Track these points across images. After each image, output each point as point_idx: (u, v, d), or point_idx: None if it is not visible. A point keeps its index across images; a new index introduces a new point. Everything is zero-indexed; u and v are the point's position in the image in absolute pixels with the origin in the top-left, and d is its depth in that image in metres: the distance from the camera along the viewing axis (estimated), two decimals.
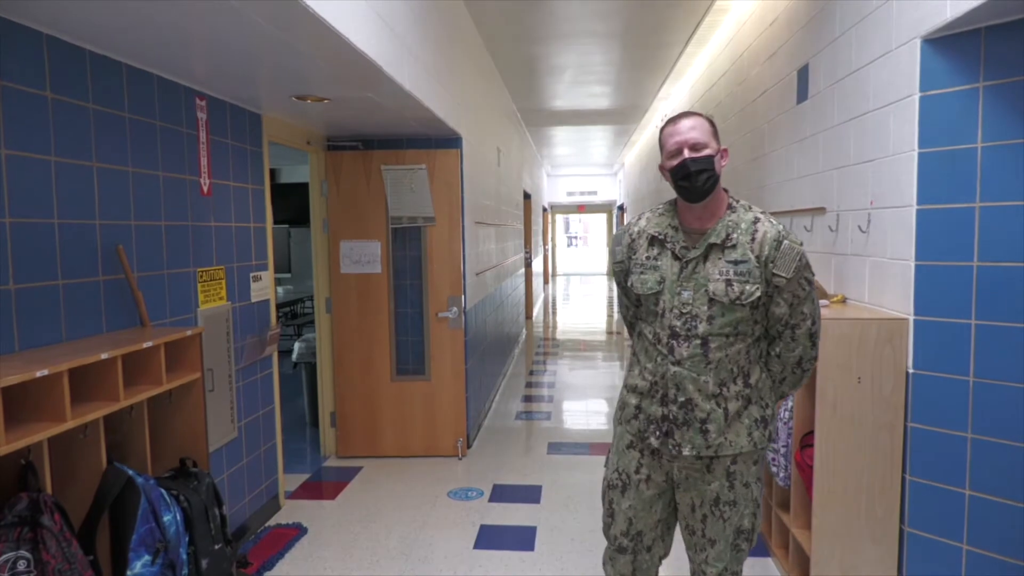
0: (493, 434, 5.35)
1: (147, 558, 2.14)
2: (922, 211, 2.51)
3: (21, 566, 1.81)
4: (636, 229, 2.05)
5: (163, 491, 2.25)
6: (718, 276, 1.87)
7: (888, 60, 2.71)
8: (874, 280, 2.85)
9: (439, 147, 4.66)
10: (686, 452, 1.93)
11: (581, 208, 20.49)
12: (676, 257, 1.93)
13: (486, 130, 6.21)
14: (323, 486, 4.27)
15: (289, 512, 3.85)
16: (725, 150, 1.95)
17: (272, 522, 3.72)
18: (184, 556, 2.24)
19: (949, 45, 2.43)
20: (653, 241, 1.99)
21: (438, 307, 4.71)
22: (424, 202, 4.61)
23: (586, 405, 6.40)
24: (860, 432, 2.63)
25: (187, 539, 2.27)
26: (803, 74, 3.67)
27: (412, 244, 4.72)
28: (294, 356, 5.54)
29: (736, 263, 1.87)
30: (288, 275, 9.46)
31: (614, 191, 18.71)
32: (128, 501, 2.15)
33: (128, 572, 2.10)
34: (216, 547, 2.38)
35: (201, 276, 3.11)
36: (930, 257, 2.51)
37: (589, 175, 18.86)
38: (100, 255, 2.46)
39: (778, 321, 1.93)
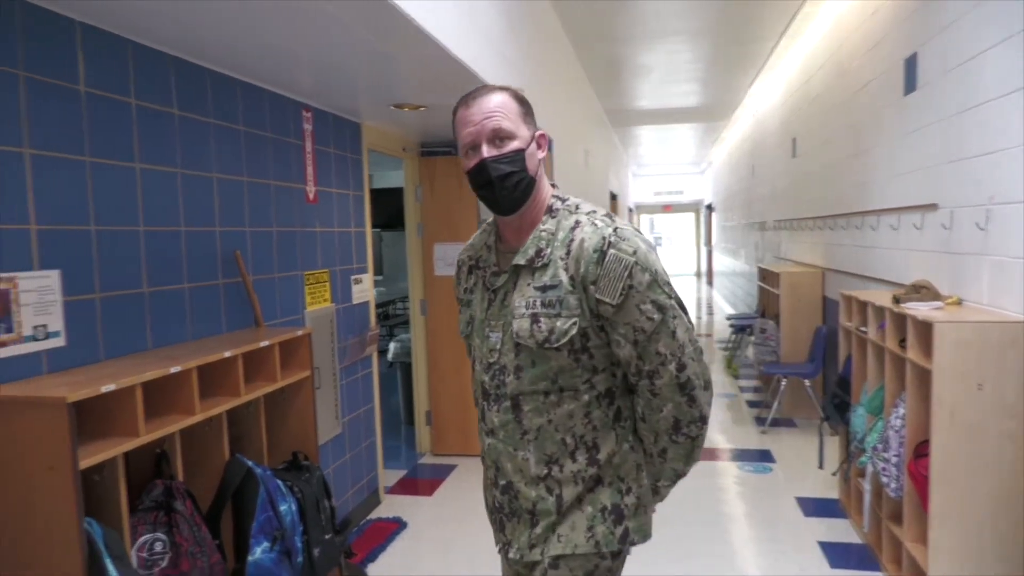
0: None
1: (266, 544, 2.27)
2: None
3: (158, 547, 1.96)
4: (464, 255, 1.58)
5: (279, 482, 2.39)
6: (524, 310, 1.37)
7: (1010, 45, 2.55)
8: (994, 281, 2.68)
9: None
10: (511, 554, 1.47)
11: (667, 208, 20.14)
12: (486, 287, 1.47)
13: (573, 131, 6.22)
14: (419, 483, 4.39)
15: (388, 507, 3.98)
16: (543, 135, 1.43)
17: (373, 515, 3.86)
18: (299, 544, 2.37)
19: None
20: (472, 268, 1.53)
21: None
22: None
23: None
24: (980, 441, 2.48)
25: (301, 528, 2.40)
26: (911, 64, 3.50)
27: None
28: (390, 356, 5.72)
29: (544, 289, 1.36)
30: (380, 277, 9.77)
31: (702, 190, 18.31)
32: (248, 490, 2.29)
33: (249, 557, 2.24)
34: (327, 537, 2.50)
35: (308, 279, 3.27)
36: None
37: (675, 174, 18.53)
38: (220, 260, 2.63)
39: (628, 367, 1.38)
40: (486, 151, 1.36)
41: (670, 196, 18.83)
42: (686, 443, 1.39)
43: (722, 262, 14.78)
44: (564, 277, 1.35)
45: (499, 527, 1.51)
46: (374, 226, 8.81)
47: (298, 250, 3.20)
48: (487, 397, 1.45)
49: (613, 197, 10.93)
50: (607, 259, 1.31)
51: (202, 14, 2.03)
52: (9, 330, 1.76)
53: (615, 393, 1.41)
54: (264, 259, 2.93)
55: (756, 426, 5.42)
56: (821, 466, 4.38)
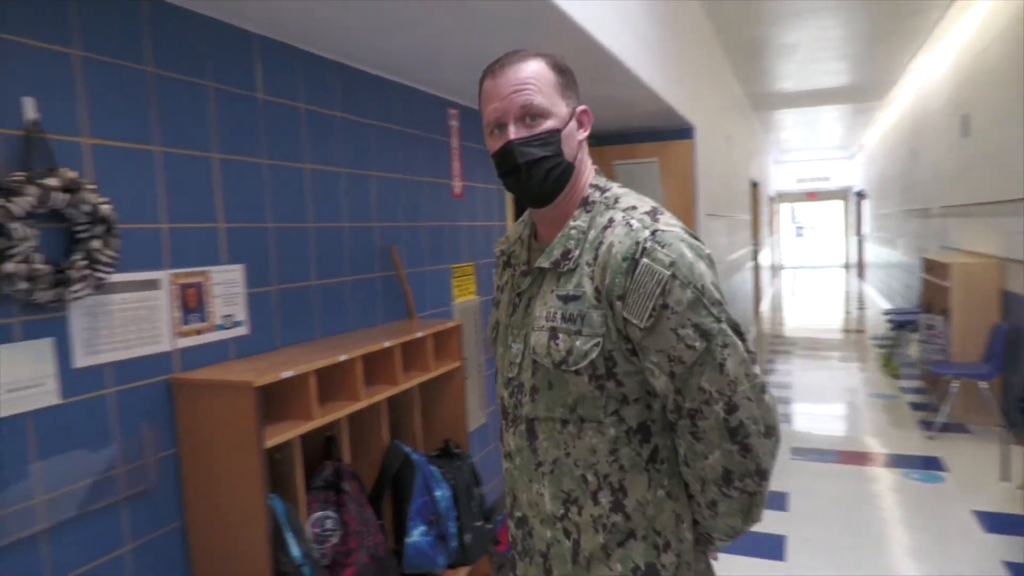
0: None
1: (423, 528, 2.36)
2: None
3: (329, 524, 2.09)
4: (498, 248, 1.39)
5: (434, 468, 2.47)
6: (544, 322, 1.17)
7: None
8: None
9: (671, 138, 4.58)
10: None
11: (812, 195, 18.99)
12: (514, 288, 1.28)
13: (715, 118, 5.99)
14: None
15: None
16: (585, 111, 1.23)
17: None
18: (452, 529, 2.44)
19: None
20: (506, 264, 1.35)
21: None
22: (655, 195, 4.56)
23: (828, 409, 5.92)
24: None
25: (455, 514, 2.47)
26: None
27: None
28: None
29: (567, 300, 1.14)
30: None
31: (851, 176, 17.11)
32: (406, 475, 2.39)
33: (407, 539, 2.34)
34: (477, 524, 2.56)
35: (455, 272, 3.37)
36: None
37: (821, 159, 17.44)
38: (377, 254, 2.76)
39: (666, 401, 1.13)
40: (513, 131, 1.15)
41: (815, 183, 17.73)
42: (741, 498, 1.11)
43: (875, 252, 13.74)
44: (588, 288, 1.12)
45: (511, 565, 1.32)
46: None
47: (446, 244, 3.30)
48: (506, 416, 1.26)
49: (754, 185, 10.46)
50: (638, 270, 1.07)
51: (361, 18, 2.12)
52: (203, 319, 1.93)
53: (651, 429, 1.15)
54: (415, 253, 3.04)
55: (921, 430, 4.99)
56: (1006, 478, 3.95)
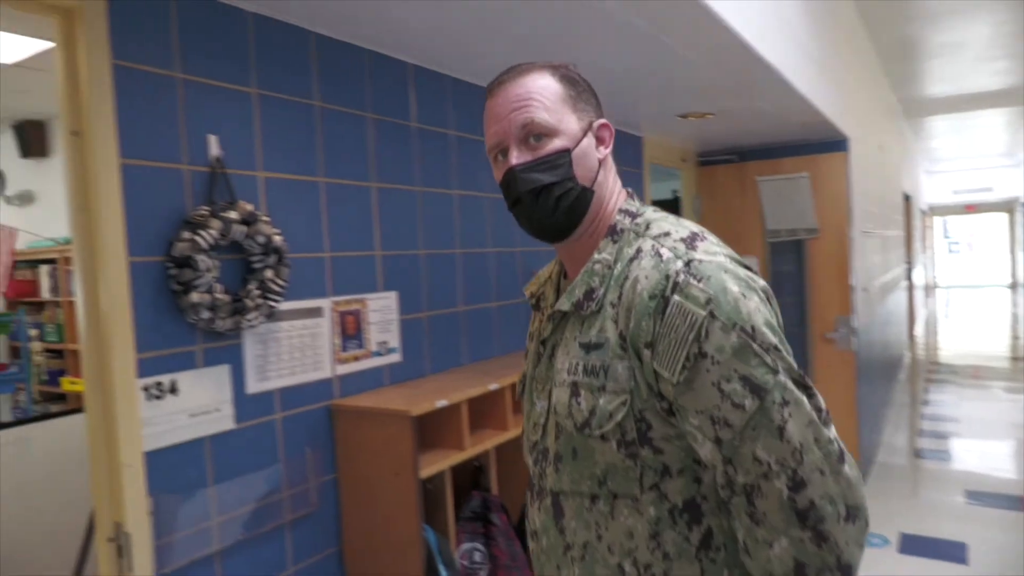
0: (887, 472, 4.71)
1: None
2: None
3: (477, 557, 2.05)
4: (528, 289, 1.21)
5: None
6: (566, 375, 0.98)
7: None
8: None
9: (821, 152, 4.28)
10: None
11: (970, 208, 17.35)
12: (540, 335, 1.09)
13: (867, 127, 5.57)
14: None
15: None
16: (605, 125, 1.05)
17: None
18: None
19: None
20: (536, 306, 1.17)
21: (823, 327, 4.30)
22: (805, 213, 4.27)
23: (1003, 447, 5.29)
24: None
25: None
26: None
27: (790, 258, 4.41)
28: None
29: (589, 348, 0.95)
30: None
31: (1017, 186, 15.48)
32: None
33: None
34: None
35: None
36: None
37: (979, 168, 15.90)
38: (520, 279, 2.73)
39: (716, 475, 0.90)
40: (515, 156, 0.99)
41: (974, 194, 16.18)
42: None
43: None
44: (612, 333, 0.93)
45: None
46: None
47: None
48: (531, 487, 1.08)
49: (906, 199, 9.68)
50: (668, 310, 0.88)
51: (507, 41, 2.09)
52: (360, 346, 1.96)
53: (701, 508, 0.92)
54: None
55: None
56: None
